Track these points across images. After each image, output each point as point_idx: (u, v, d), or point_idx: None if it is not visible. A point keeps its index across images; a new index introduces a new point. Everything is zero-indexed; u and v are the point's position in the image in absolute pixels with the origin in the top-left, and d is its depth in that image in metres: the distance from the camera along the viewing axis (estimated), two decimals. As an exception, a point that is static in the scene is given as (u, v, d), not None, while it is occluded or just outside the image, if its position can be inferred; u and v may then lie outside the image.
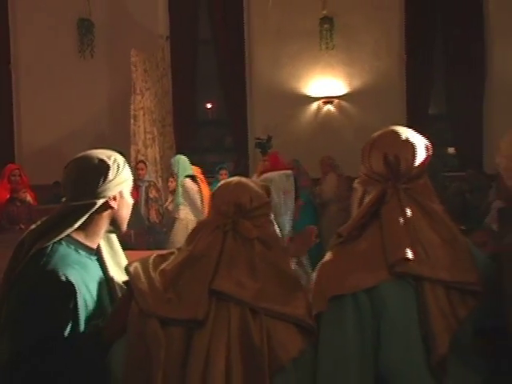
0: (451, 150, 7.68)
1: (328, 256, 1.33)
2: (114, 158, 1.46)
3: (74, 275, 1.33)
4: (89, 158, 1.44)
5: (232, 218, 1.31)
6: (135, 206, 4.96)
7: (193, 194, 5.00)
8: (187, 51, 7.69)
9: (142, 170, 5.74)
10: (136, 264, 1.35)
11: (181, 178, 5.01)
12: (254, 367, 1.21)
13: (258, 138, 7.33)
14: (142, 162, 5.96)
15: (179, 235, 4.91)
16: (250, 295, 1.25)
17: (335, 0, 7.22)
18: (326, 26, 7.38)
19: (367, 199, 1.35)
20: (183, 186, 5.01)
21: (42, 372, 1.29)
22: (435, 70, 7.44)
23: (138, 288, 1.29)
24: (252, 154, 7.69)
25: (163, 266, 1.34)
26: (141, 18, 7.45)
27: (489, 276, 1.27)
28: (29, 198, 5.57)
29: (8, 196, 5.43)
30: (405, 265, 1.21)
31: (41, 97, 7.40)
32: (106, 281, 1.49)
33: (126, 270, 1.36)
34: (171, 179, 5.20)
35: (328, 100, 7.55)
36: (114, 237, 1.55)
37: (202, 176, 5.29)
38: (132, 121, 6.34)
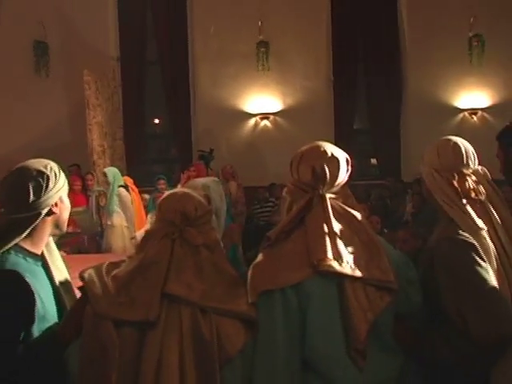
0: (373, 160, 9.30)
1: (259, 257, 1.57)
2: (50, 167, 1.60)
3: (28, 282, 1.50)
4: (26, 170, 1.56)
5: (179, 226, 1.51)
6: (87, 213, 6.15)
7: (127, 202, 5.88)
8: (136, 71, 9.16)
9: (91, 180, 6.90)
10: (90, 271, 1.53)
11: (115, 188, 5.83)
12: (205, 360, 1.41)
13: (201, 150, 8.73)
14: (89, 173, 7.16)
15: (113, 240, 5.75)
16: (199, 296, 1.45)
17: (270, 26, 8.77)
18: (262, 49, 8.93)
19: (295, 207, 1.60)
20: (119, 194, 5.84)
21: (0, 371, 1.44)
22: (359, 90, 9.09)
23: (93, 292, 1.46)
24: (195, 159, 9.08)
25: (115, 272, 1.52)
26: (93, 41, 8.82)
27: (404, 270, 1.57)
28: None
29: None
30: (326, 264, 1.44)
31: (4, 113, 8.63)
32: (53, 286, 1.64)
33: (81, 276, 1.51)
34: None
35: (264, 116, 9.08)
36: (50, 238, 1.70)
37: (133, 186, 6.27)
38: (88, 134, 7.67)
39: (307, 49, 8.99)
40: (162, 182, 6.89)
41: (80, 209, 6.50)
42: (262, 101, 9.07)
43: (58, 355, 1.51)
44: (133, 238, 4.99)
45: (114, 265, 1.57)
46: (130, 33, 9.19)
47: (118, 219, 5.84)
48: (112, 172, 6.03)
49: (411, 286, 1.56)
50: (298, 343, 1.46)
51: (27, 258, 1.56)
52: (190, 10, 9.12)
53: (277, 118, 9.13)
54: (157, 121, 10.01)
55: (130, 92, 9.10)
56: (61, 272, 1.70)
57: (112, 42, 9.17)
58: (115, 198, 5.84)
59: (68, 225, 1.78)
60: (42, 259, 1.64)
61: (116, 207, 5.84)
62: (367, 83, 9.10)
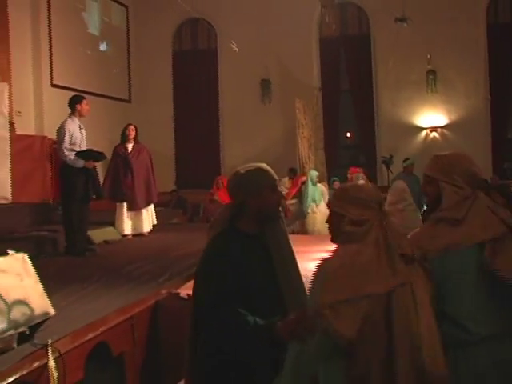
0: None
1: None
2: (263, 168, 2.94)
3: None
4: (256, 169, 2.86)
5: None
6: (298, 204, 12.64)
7: (325, 193, 11.81)
8: (333, 97, 15.71)
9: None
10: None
11: (309, 185, 11.59)
12: None
13: (383, 157, 14.85)
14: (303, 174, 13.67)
15: (314, 224, 11.57)
16: None
17: (437, 58, 14.61)
18: (431, 76, 14.83)
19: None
20: (322, 190, 12.09)
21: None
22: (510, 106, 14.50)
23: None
24: (379, 167, 15.22)
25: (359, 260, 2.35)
26: (302, 77, 15.53)
27: None
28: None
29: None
30: None
31: (237, 130, 15.73)
32: (267, 261, 2.81)
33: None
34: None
35: (433, 129, 14.93)
36: None
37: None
38: (299, 146, 14.19)
39: (467, 74, 14.69)
40: (336, 182, 12.80)
41: (293, 201, 12.49)
42: (431, 117, 14.96)
43: (264, 345, 2.48)
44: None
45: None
46: (328, 69, 15.82)
47: (316, 208, 11.58)
48: (310, 174, 12.12)
49: None
50: None
51: (241, 237, 2.74)
52: (373, 49, 15.46)
53: (444, 130, 14.91)
54: (348, 135, 16.49)
55: (329, 113, 15.64)
56: (281, 249, 2.87)
57: (315, 76, 15.83)
58: (311, 193, 11.43)
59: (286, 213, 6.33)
60: (258, 238, 2.80)
61: (311, 199, 11.65)
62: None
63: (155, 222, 9.91)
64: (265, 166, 2.89)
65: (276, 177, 2.90)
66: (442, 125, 14.93)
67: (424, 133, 15.07)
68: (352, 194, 2.48)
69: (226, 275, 2.59)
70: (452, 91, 14.78)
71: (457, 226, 2.52)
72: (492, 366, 2.41)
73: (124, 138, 9.56)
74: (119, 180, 9.39)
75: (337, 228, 2.50)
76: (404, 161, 11.97)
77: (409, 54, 14.66)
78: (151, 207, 9.85)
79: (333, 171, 14.63)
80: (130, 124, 9.74)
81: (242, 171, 2.81)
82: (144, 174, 9.61)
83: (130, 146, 9.53)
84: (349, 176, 12.93)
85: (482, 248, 2.45)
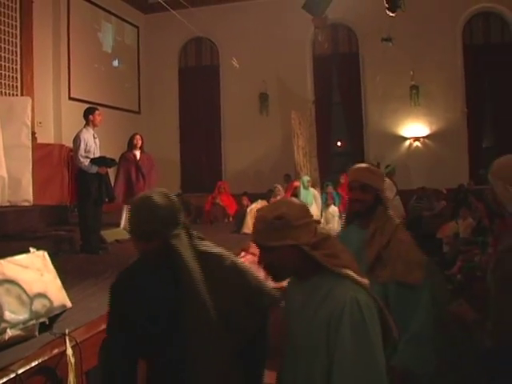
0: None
1: None
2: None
3: None
4: None
5: None
6: None
7: (317, 197, 12.24)
8: (325, 109, 15.77)
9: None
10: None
11: (301, 189, 11.99)
12: None
13: (371, 163, 14.93)
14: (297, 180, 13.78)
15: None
16: None
17: (419, 75, 14.70)
18: (414, 91, 14.91)
19: None
20: (314, 193, 12.36)
21: None
22: (486, 118, 14.60)
23: None
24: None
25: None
26: (297, 90, 15.64)
27: None
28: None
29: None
30: None
31: (238, 139, 15.83)
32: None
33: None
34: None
35: (416, 139, 14.98)
36: None
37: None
38: (295, 154, 14.29)
39: (446, 89, 14.77)
40: (330, 186, 13.06)
41: None
42: (414, 128, 15.03)
43: None
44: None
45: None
46: (321, 83, 15.90)
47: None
48: (302, 179, 12.37)
49: None
50: None
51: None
52: (362, 65, 15.55)
53: (425, 140, 14.97)
54: (339, 143, 16.54)
55: (322, 124, 15.72)
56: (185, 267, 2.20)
57: (309, 90, 15.91)
58: (303, 196, 11.68)
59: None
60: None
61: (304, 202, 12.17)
62: (494, 112, 14.53)
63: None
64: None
65: None
66: (424, 135, 14.99)
67: (408, 142, 15.13)
68: (292, 218, 2.03)
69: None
70: (433, 104, 14.85)
71: None
72: None
73: (131, 146, 9.63)
74: (131, 183, 9.48)
75: (293, 264, 2.07)
76: (386, 167, 12.09)
77: (394, 71, 14.74)
78: None
79: (325, 177, 14.73)
80: (137, 133, 9.80)
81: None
82: (153, 180, 9.71)
83: (138, 154, 9.62)
84: (342, 181, 13.07)
85: None
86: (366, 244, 2.83)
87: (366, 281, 2.01)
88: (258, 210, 2.16)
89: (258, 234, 2.08)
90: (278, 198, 11.40)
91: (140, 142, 9.63)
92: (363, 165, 3.07)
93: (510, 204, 2.34)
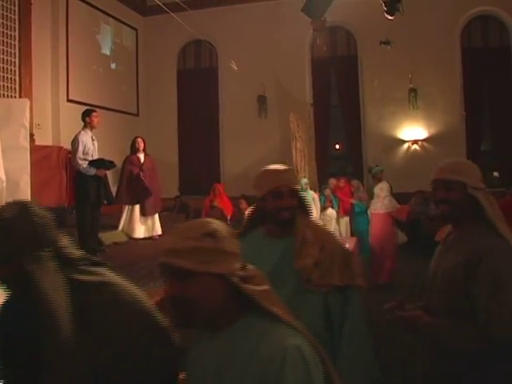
0: (495, 173, 14.65)
1: None
2: None
3: None
4: None
5: None
6: None
7: (316, 200, 12.19)
8: (324, 112, 15.80)
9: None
10: None
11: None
12: None
13: (370, 167, 14.93)
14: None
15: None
16: None
17: (418, 78, 14.73)
18: (412, 94, 14.93)
19: None
20: (313, 196, 12.35)
21: None
22: (485, 122, 14.63)
23: None
24: (366, 176, 15.32)
25: None
26: (295, 93, 15.66)
27: None
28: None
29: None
30: None
31: (236, 141, 15.85)
32: None
33: None
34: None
35: (414, 141, 15.00)
36: None
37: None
38: (293, 156, 14.29)
39: (445, 93, 14.80)
40: (327, 190, 13.02)
41: None
42: (412, 131, 15.05)
43: None
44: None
45: None
46: (319, 86, 15.92)
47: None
48: (300, 182, 12.05)
49: None
50: None
51: None
52: (360, 68, 15.59)
53: (424, 143, 15.00)
54: (338, 146, 16.55)
55: (320, 126, 15.74)
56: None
57: (308, 93, 15.94)
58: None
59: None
60: None
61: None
62: (492, 116, 14.57)
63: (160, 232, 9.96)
64: None
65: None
66: (423, 138, 15.02)
67: (406, 145, 15.16)
68: (224, 239, 1.60)
69: None
70: (431, 108, 14.89)
71: None
72: None
73: (134, 150, 9.67)
74: (134, 186, 9.53)
75: (215, 301, 1.58)
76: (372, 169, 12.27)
77: (392, 74, 14.77)
78: (156, 215, 9.95)
79: (323, 180, 14.73)
80: (138, 137, 9.86)
81: None
82: (155, 184, 9.74)
83: (141, 157, 9.65)
84: (341, 184, 13.03)
85: None
86: (296, 253, 2.50)
87: (302, 326, 1.60)
88: (178, 225, 1.67)
89: (174, 253, 1.56)
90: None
91: (142, 145, 9.68)
92: None
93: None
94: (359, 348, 2.45)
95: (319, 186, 13.84)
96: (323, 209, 12.08)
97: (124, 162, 9.60)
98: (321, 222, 11.61)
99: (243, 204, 12.06)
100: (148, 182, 9.57)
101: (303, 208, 2.69)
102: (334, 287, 2.48)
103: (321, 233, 2.65)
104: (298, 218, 2.60)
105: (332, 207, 12.16)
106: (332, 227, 11.57)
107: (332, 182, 13.05)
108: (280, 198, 2.58)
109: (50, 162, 9.34)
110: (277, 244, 2.60)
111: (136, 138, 9.79)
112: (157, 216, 9.95)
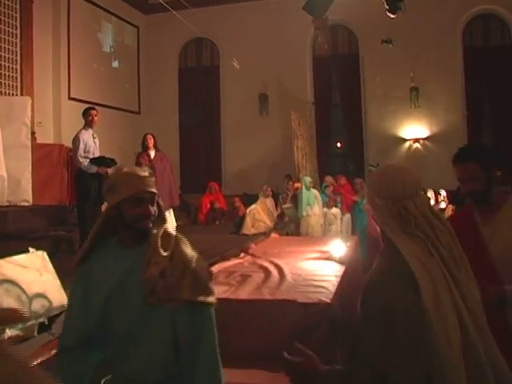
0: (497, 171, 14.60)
1: None
2: None
3: None
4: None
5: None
6: (293, 208, 12.82)
7: (318, 197, 12.10)
8: (325, 111, 15.79)
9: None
10: None
11: (303, 190, 11.61)
12: None
13: (371, 165, 14.94)
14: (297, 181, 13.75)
15: (308, 226, 11.78)
16: None
17: (419, 76, 14.72)
18: (413, 93, 14.93)
19: None
20: (315, 194, 12.17)
21: None
22: (485, 120, 14.62)
23: None
24: (367, 175, 15.32)
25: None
26: (296, 92, 15.65)
27: None
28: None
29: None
30: None
31: (237, 140, 15.85)
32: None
33: None
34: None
35: (416, 140, 15.00)
36: None
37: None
38: (295, 154, 14.29)
39: (446, 91, 14.79)
40: (329, 188, 12.93)
41: (288, 205, 12.75)
42: (414, 129, 15.05)
43: None
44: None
45: None
46: (321, 85, 15.92)
47: (310, 211, 11.64)
48: (304, 180, 12.13)
49: None
50: None
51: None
52: (361, 67, 15.59)
53: (425, 141, 15.00)
54: (339, 144, 16.53)
55: (321, 125, 15.74)
56: None
57: (309, 91, 15.93)
58: (305, 197, 11.22)
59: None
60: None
61: (306, 203, 11.69)
62: (493, 114, 14.56)
63: (175, 224, 9.61)
64: None
65: None
66: (424, 137, 15.02)
67: (408, 144, 15.16)
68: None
69: None
70: (433, 106, 14.88)
71: None
72: None
73: (144, 147, 9.60)
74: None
75: None
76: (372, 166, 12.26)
77: (394, 72, 14.76)
78: (171, 210, 9.71)
79: (324, 178, 14.74)
80: (148, 133, 9.70)
81: None
82: (166, 179, 9.62)
83: (152, 154, 9.58)
84: (342, 182, 13.02)
85: None
86: (144, 264, 2.23)
87: None
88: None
89: None
90: (268, 199, 11.56)
91: (152, 142, 9.57)
92: None
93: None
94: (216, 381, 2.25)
95: (320, 184, 13.81)
96: (328, 207, 12.02)
97: (136, 159, 9.47)
98: (338, 221, 11.69)
99: (237, 202, 12.31)
100: (160, 179, 9.41)
101: (160, 215, 2.41)
102: (183, 303, 2.22)
103: (175, 242, 2.36)
104: (153, 226, 2.35)
105: (336, 206, 12.11)
106: (337, 226, 11.66)
107: (328, 179, 12.95)
108: (141, 205, 2.32)
109: (52, 160, 9.34)
110: (127, 254, 2.34)
111: (146, 134, 9.64)
112: (171, 212, 9.47)
